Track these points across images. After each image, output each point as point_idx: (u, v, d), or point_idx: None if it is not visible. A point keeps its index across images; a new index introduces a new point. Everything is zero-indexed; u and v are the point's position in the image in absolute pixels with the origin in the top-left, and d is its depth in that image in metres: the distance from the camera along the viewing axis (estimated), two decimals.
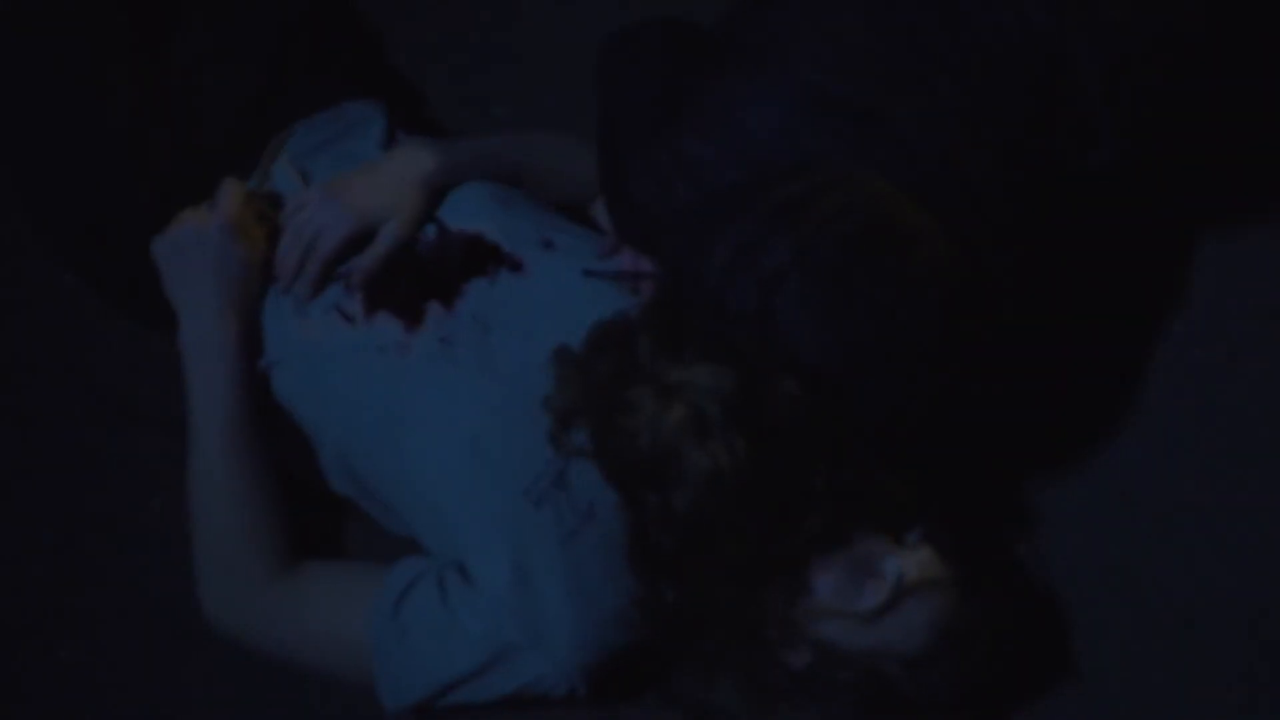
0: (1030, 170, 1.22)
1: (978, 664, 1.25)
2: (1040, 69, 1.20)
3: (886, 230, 1.12)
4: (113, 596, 1.54)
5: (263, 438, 1.39)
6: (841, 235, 1.10)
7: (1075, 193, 1.28)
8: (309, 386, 1.39)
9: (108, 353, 1.63)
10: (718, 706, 1.29)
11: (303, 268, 1.41)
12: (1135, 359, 1.52)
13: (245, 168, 1.46)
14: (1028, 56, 1.20)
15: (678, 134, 1.20)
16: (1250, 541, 1.45)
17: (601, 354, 1.16)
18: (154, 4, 1.52)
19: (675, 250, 1.18)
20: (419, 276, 1.38)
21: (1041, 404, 1.47)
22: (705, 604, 1.19)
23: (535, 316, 1.33)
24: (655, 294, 1.27)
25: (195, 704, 1.48)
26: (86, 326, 1.63)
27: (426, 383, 1.33)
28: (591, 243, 1.41)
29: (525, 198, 1.46)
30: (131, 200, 1.45)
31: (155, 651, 1.49)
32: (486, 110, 1.75)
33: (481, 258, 1.38)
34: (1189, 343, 1.54)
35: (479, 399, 1.31)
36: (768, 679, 1.25)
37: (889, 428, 1.15)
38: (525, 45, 1.77)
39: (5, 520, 1.57)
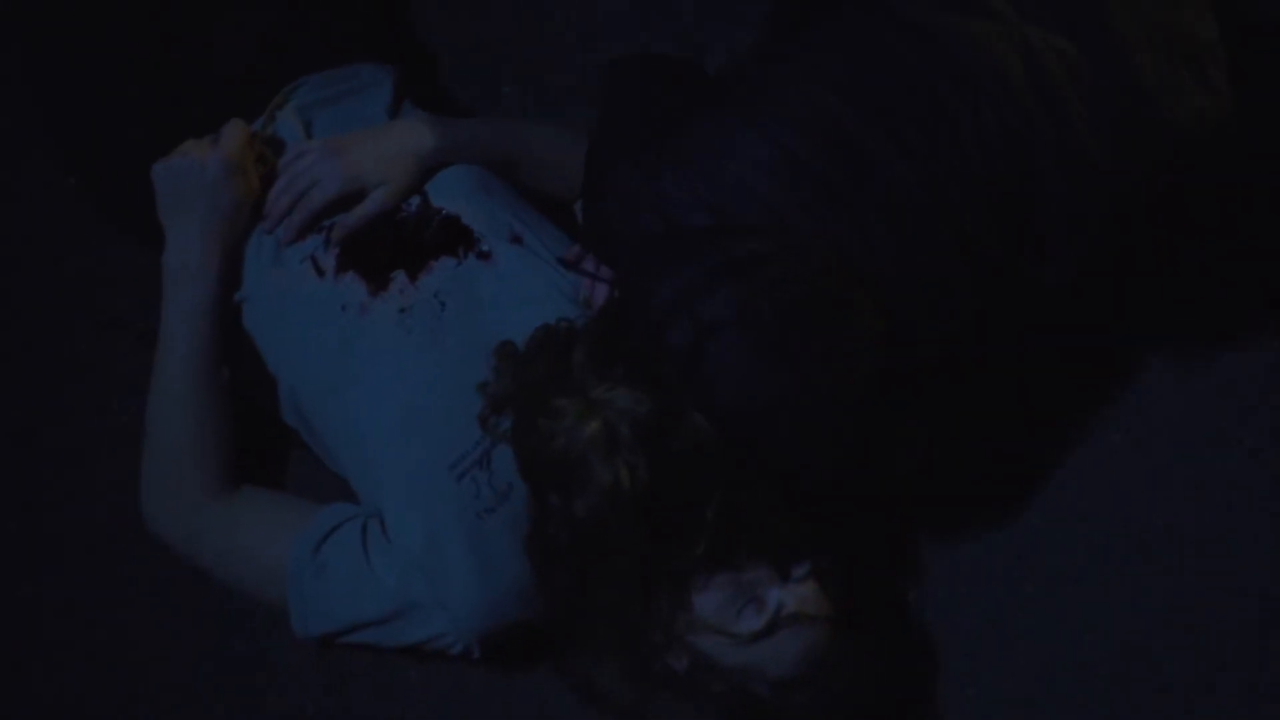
0: (982, 274, 1.28)
1: (840, 695, 1.35)
2: (1011, 182, 1.26)
3: (826, 306, 1.19)
4: (67, 484, 1.64)
5: (223, 364, 1.48)
6: (783, 301, 1.17)
7: (1022, 297, 1.35)
8: (273, 327, 1.48)
9: (95, 259, 1.71)
10: (602, 687, 1.39)
11: (290, 214, 1.48)
12: (1052, 450, 1.60)
13: (252, 111, 1.52)
14: (1001, 166, 1.26)
15: (657, 167, 1.26)
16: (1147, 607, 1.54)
17: (539, 356, 1.24)
18: None
19: (629, 273, 1.26)
20: (393, 245, 1.46)
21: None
22: (592, 599, 1.28)
23: (490, 306, 1.42)
24: (604, 307, 1.35)
25: (149, 603, 1.59)
26: (78, 232, 1.71)
27: (378, 346, 1.41)
28: (560, 245, 1.49)
29: (508, 189, 1.53)
30: (140, 122, 1.52)
31: (107, 538, 1.59)
32: (496, 89, 1.80)
33: (454, 239, 1.46)
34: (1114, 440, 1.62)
35: (423, 371, 1.39)
36: (648, 672, 1.35)
37: (788, 477, 1.23)
38: (539, 28, 1.82)
39: None
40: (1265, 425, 1.58)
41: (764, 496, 1.24)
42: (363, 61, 1.60)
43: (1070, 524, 1.56)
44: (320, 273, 1.46)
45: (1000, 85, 1.25)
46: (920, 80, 1.25)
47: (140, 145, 1.50)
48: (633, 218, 1.26)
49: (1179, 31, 1.29)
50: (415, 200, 1.49)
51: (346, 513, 1.44)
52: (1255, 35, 1.61)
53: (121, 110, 1.53)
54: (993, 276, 1.30)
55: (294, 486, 1.56)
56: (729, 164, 1.23)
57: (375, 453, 1.40)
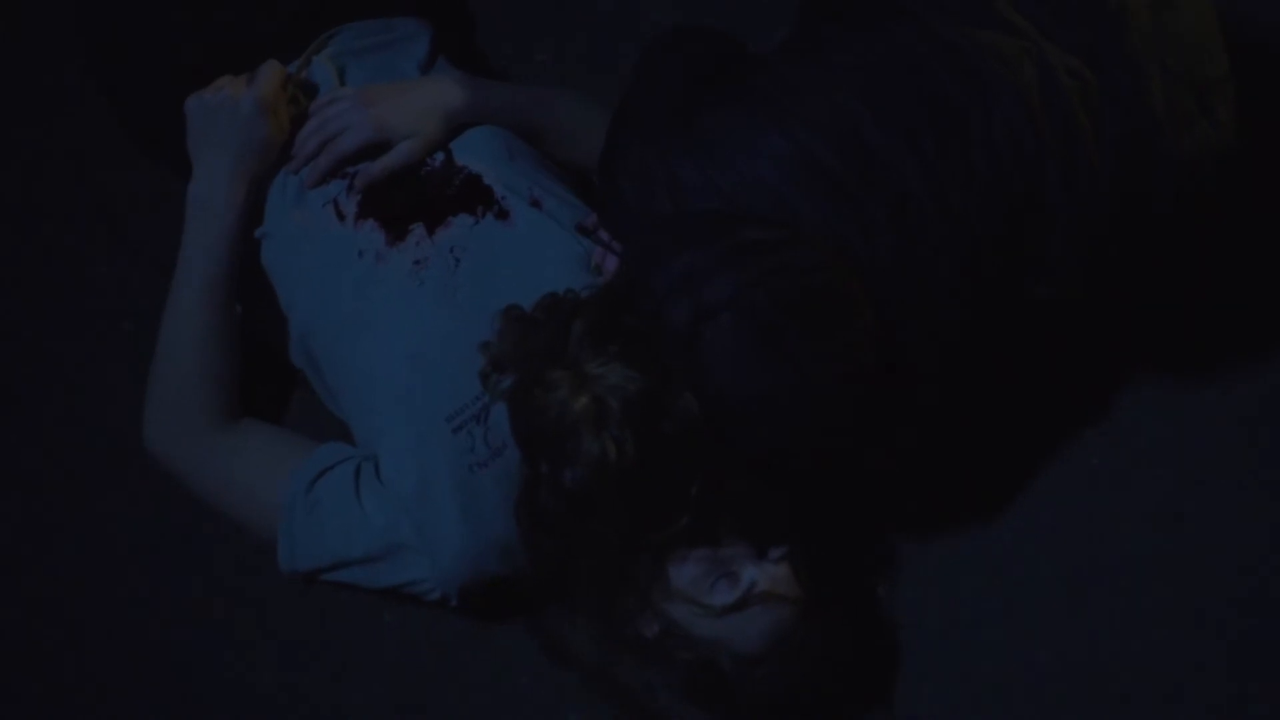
0: (980, 283, 1.32)
1: (799, 678, 1.39)
2: (1016, 196, 1.30)
3: (824, 303, 1.22)
4: (70, 402, 1.68)
5: (236, 298, 1.52)
6: (782, 293, 1.20)
7: (1018, 312, 1.39)
8: (290, 265, 1.51)
9: (124, 181, 1.75)
10: (572, 647, 1.43)
11: (317, 157, 1.52)
12: (1034, 464, 1.63)
13: (290, 53, 1.55)
14: (1009, 180, 1.29)
15: (677, 150, 1.30)
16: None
17: (542, 324, 1.28)
18: None
19: (636, 251, 1.29)
20: (415, 197, 1.50)
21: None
22: (574, 562, 1.32)
23: (503, 265, 1.45)
24: (608, 282, 1.38)
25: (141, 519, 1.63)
26: (111, 154, 1.74)
27: (391, 295, 1.45)
28: (578, 212, 1.52)
29: (531, 153, 1.57)
30: (180, 54, 1.55)
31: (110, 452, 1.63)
32: (529, 54, 1.84)
33: (474, 198, 1.49)
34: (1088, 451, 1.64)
35: (432, 323, 1.43)
36: (619, 635, 1.39)
37: (771, 463, 1.27)
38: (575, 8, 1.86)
39: None
40: (1244, 455, 1.62)
41: (747, 479, 1.28)
42: (402, 15, 1.63)
43: (1044, 538, 1.59)
44: (341, 217, 1.50)
45: (1016, 101, 1.28)
46: (940, 91, 1.28)
47: (177, 77, 1.53)
48: (645, 198, 1.29)
49: (1191, 65, 1.33)
50: (440, 156, 1.52)
51: (343, 453, 1.48)
52: (1265, 73, 1.64)
53: (162, 40, 1.56)
54: (991, 286, 1.33)
55: (294, 425, 1.60)
56: (747, 157, 1.27)
57: (377, 397, 1.44)
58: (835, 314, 1.24)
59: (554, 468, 1.24)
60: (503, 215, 1.49)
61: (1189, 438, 1.62)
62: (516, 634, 1.54)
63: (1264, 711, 1.53)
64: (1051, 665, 1.55)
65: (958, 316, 1.32)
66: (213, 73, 1.52)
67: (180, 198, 1.52)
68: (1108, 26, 1.30)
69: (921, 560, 1.58)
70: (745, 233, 1.24)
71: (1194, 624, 1.55)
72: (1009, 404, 1.61)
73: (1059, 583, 1.57)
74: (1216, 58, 1.35)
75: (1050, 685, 1.54)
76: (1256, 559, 1.57)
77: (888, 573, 1.56)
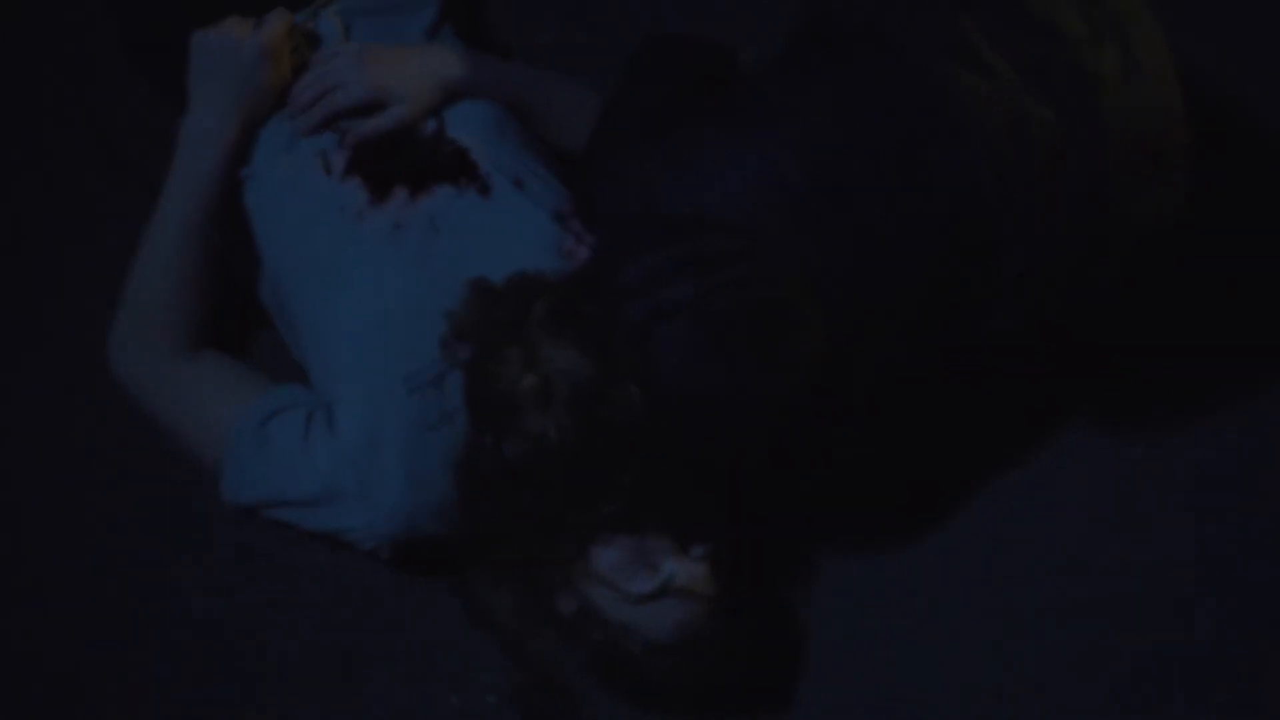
0: (930, 318, 1.38)
1: (701, 672, 1.45)
2: (974, 240, 1.35)
3: (775, 316, 1.28)
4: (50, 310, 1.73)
5: (217, 234, 1.56)
6: (736, 303, 1.26)
7: (963, 342, 1.45)
8: (271, 208, 1.56)
9: (115, 104, 1.79)
10: (493, 612, 1.48)
11: (311, 107, 1.56)
12: (964, 486, 1.69)
13: (298, 3, 1.59)
14: (967, 219, 1.34)
15: (654, 157, 1.35)
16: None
17: (506, 300, 1.33)
18: None
19: (605, 245, 1.35)
20: (402, 161, 1.54)
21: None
22: (504, 532, 1.38)
23: (478, 240, 1.50)
24: (576, 270, 1.44)
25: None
26: (104, 76, 1.78)
27: (367, 253, 1.50)
28: (558, 197, 1.56)
29: (521, 133, 1.61)
30: None
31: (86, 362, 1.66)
32: (533, 36, 1.88)
33: (459, 170, 1.54)
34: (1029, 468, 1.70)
35: (403, 286, 1.48)
36: (538, 607, 1.45)
37: (705, 464, 1.33)
38: None
39: None
40: (1160, 508, 1.68)
41: (681, 476, 1.34)
42: None
43: (965, 558, 1.65)
44: (328, 170, 1.54)
45: (985, 145, 1.33)
46: (914, 125, 1.33)
47: (186, 10, 1.56)
48: (618, 198, 1.34)
49: (1153, 134, 1.38)
50: (432, 124, 1.57)
51: (298, 397, 1.52)
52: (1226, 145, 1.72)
53: None
54: (939, 318, 1.39)
55: (256, 363, 1.62)
56: (720, 172, 1.32)
57: (339, 347, 1.49)
58: (784, 329, 1.30)
59: (497, 439, 1.29)
60: (485, 191, 1.53)
61: (1107, 487, 1.68)
62: (441, 592, 1.59)
63: None
64: (950, 689, 1.61)
65: (905, 343, 1.38)
66: (223, 13, 1.55)
67: (175, 129, 1.56)
68: (1083, 87, 1.35)
69: (840, 571, 1.64)
70: (710, 242, 1.29)
71: (1096, 667, 1.61)
72: (946, 429, 1.66)
73: (970, 610, 1.63)
74: (1178, 128, 1.41)
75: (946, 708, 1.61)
76: (1160, 611, 1.63)
77: (805, 582, 1.62)
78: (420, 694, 1.59)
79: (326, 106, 1.55)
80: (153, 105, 1.71)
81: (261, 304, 1.60)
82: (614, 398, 1.26)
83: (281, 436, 1.50)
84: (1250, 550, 1.65)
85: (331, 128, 1.56)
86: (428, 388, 1.45)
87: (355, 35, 1.62)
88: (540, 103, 1.64)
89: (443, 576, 1.57)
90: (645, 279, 1.26)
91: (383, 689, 1.59)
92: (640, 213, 1.33)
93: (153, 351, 1.55)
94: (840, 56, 1.37)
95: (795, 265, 1.31)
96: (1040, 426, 1.70)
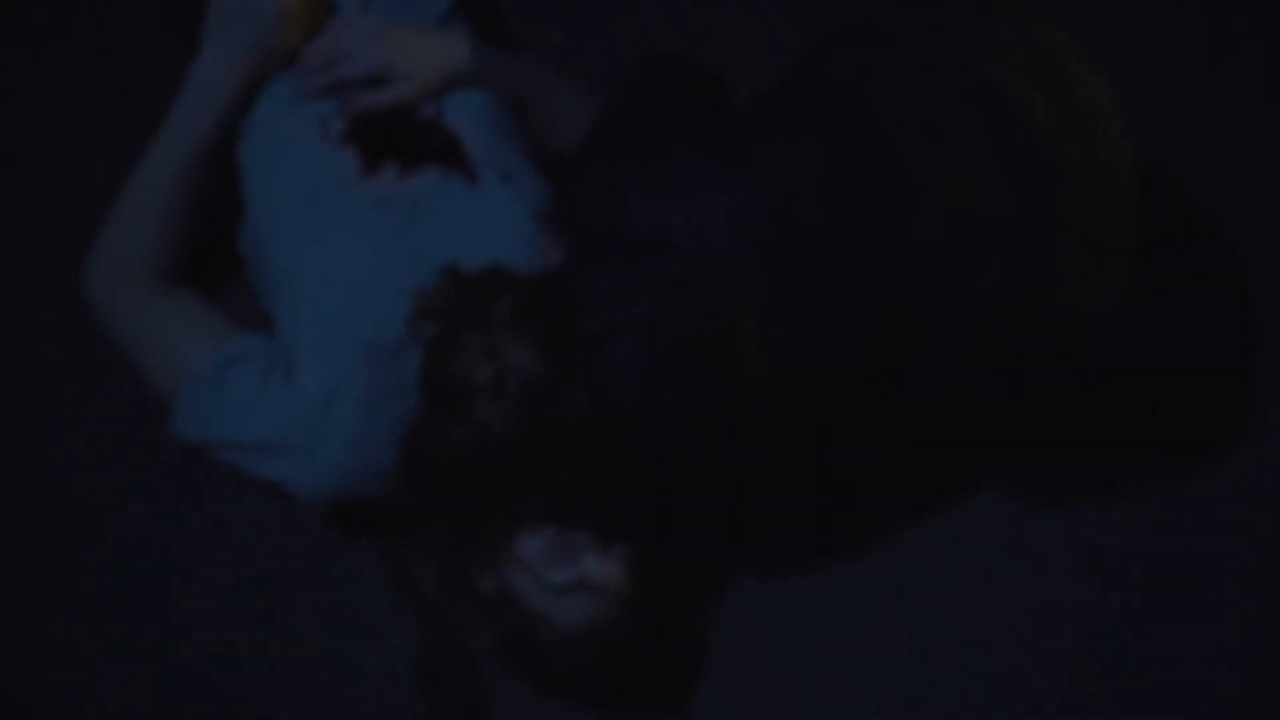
0: (863, 368, 1.44)
1: (603, 669, 1.52)
2: (916, 306, 1.42)
3: (722, 347, 1.34)
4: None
5: (208, 178, 1.61)
6: (689, 328, 1.32)
7: (892, 398, 1.52)
8: (264, 164, 1.61)
9: (125, 35, 1.84)
10: (414, 580, 1.54)
11: (319, 73, 1.61)
12: (890, 518, 1.75)
13: None
14: (912, 286, 1.40)
15: (633, 180, 1.41)
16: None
17: (475, 289, 1.39)
18: None
19: (574, 253, 1.41)
20: (397, 139, 1.60)
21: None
22: (437, 507, 1.44)
23: (458, 227, 1.55)
24: (546, 271, 1.49)
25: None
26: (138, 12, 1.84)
27: (349, 222, 1.55)
28: (542, 198, 1.61)
29: (517, 129, 1.67)
30: None
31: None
32: (544, 33, 1.94)
33: (450, 155, 1.59)
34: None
35: (379, 259, 1.53)
36: (459, 582, 1.51)
37: (638, 473, 1.40)
38: None
39: None
40: (1067, 580, 1.74)
41: (613, 479, 1.40)
42: None
43: (880, 588, 1.71)
44: (325, 135, 1.59)
45: (942, 222, 1.39)
46: (879, 190, 1.38)
47: None
48: (594, 208, 1.40)
49: (1103, 227, 1.44)
50: (431, 108, 1.62)
51: (262, 346, 1.57)
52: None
53: None
54: (874, 371, 1.45)
55: (225, 308, 1.66)
56: (692, 202, 1.37)
57: (309, 307, 1.54)
58: (730, 360, 1.36)
59: (444, 420, 1.35)
60: (471, 180, 1.59)
61: (1013, 549, 1.74)
62: (367, 553, 1.65)
63: None
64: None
65: (839, 389, 1.45)
66: None
67: (185, 70, 1.61)
68: (1042, 179, 1.41)
69: (756, 587, 1.70)
70: (671, 266, 1.35)
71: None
72: (867, 473, 1.73)
73: (886, 630, 1.70)
74: (1128, 225, 1.47)
75: None
76: (1045, 676, 1.69)
77: (721, 593, 1.69)
78: (334, 648, 1.65)
79: (333, 74, 1.60)
80: (167, 42, 1.75)
81: (240, 252, 1.66)
82: (562, 400, 1.32)
83: (239, 382, 1.55)
84: (1142, 634, 1.71)
85: (335, 95, 1.61)
86: (387, 358, 1.51)
87: (374, 8, 1.67)
88: (539, 102, 1.70)
89: (373, 538, 1.63)
90: (605, 292, 1.33)
91: (297, 639, 1.65)
92: (611, 227, 1.39)
93: (128, 278, 1.60)
94: (821, 111, 1.43)
95: (748, 301, 1.38)
96: (957, 482, 1.76)
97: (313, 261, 1.55)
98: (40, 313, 1.74)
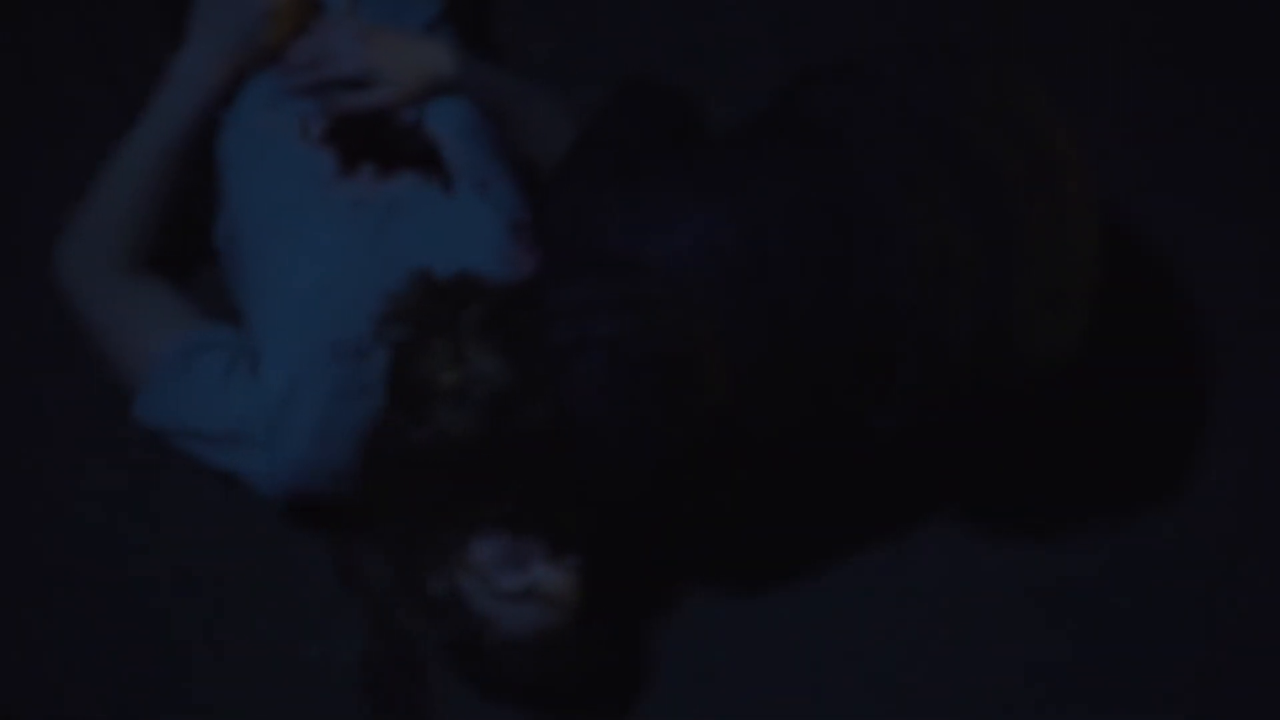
0: (822, 400, 1.47)
1: (547, 677, 1.54)
2: (875, 336, 1.44)
3: (686, 370, 1.37)
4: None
5: (185, 169, 1.62)
6: (654, 348, 1.34)
7: (848, 432, 1.55)
8: (243, 158, 1.62)
9: (110, 25, 1.86)
10: (363, 576, 1.56)
11: (303, 71, 1.63)
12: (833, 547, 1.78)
13: None
14: (874, 324, 1.43)
15: (609, 194, 1.43)
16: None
17: (446, 296, 1.41)
18: None
19: (546, 268, 1.43)
20: (376, 141, 1.61)
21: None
22: (392, 506, 1.46)
23: (432, 233, 1.57)
24: (519, 282, 1.51)
25: None
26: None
27: (324, 221, 1.57)
28: (517, 207, 1.63)
29: (497, 140, 1.69)
30: None
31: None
32: (530, 44, 1.97)
33: (428, 162, 1.61)
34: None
35: (350, 259, 1.55)
36: (409, 583, 1.52)
37: (594, 487, 1.42)
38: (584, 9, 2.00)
39: None
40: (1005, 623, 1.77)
41: (569, 491, 1.42)
42: None
43: (828, 612, 1.73)
44: (305, 134, 1.61)
45: (908, 263, 1.42)
46: (850, 228, 1.41)
47: None
48: (569, 225, 1.43)
49: (1063, 281, 1.47)
50: (413, 114, 1.64)
51: (229, 338, 1.58)
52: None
53: None
54: (832, 403, 1.48)
55: (195, 299, 1.67)
56: (668, 225, 1.39)
57: (279, 302, 1.55)
58: (691, 382, 1.39)
59: (405, 422, 1.37)
60: (447, 187, 1.61)
61: (958, 586, 1.77)
62: (319, 548, 1.66)
63: None
64: None
65: (798, 419, 1.48)
66: None
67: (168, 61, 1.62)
68: (1007, 232, 1.44)
69: (699, 609, 1.72)
70: (641, 287, 1.38)
71: None
72: (818, 503, 1.76)
73: (813, 673, 1.72)
74: (1088, 275, 1.50)
75: None
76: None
77: (667, 610, 1.71)
78: (280, 643, 1.66)
79: (316, 75, 1.62)
80: (153, 32, 1.76)
81: (214, 245, 1.67)
82: (523, 411, 1.34)
83: (204, 372, 1.56)
84: (1082, 671, 1.74)
85: (317, 95, 1.63)
86: (352, 358, 1.52)
87: (361, 10, 1.69)
88: (520, 114, 1.71)
89: (326, 535, 1.64)
90: (574, 307, 1.35)
91: (245, 629, 1.66)
92: (585, 244, 1.41)
93: (100, 262, 1.60)
94: (798, 148, 1.45)
95: (713, 326, 1.40)
96: (911, 514, 1.80)
97: (284, 257, 1.56)
98: None
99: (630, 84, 1.59)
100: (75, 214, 1.62)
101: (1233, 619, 1.76)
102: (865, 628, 1.74)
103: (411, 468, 1.39)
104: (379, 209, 1.58)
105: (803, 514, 1.76)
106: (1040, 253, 1.46)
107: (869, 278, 1.42)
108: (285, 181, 1.59)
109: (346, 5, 1.69)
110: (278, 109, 1.62)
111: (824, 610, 1.75)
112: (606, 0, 1.99)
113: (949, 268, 1.43)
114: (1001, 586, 1.77)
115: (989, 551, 1.79)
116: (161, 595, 1.67)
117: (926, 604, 1.76)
